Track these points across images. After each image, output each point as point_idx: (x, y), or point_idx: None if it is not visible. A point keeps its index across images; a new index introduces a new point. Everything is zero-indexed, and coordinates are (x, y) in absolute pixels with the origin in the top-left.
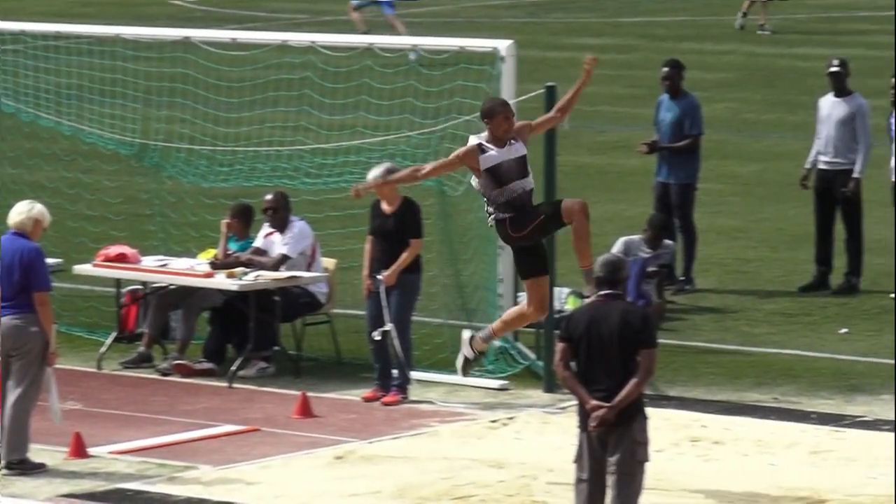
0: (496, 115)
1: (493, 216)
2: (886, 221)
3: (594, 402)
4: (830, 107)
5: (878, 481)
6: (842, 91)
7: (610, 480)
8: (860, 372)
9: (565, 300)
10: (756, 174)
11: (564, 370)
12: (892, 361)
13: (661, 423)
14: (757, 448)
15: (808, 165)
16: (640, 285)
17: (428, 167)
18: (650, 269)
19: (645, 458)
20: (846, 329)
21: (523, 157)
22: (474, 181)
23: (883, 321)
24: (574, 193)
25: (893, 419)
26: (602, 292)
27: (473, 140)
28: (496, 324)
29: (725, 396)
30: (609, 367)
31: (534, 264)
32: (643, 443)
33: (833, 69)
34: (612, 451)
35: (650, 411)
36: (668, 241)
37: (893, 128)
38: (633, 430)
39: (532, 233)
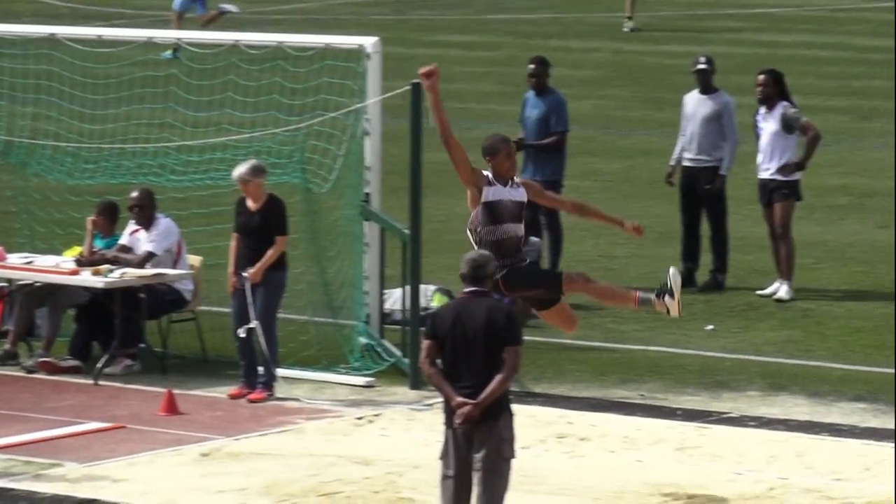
0: (498, 153)
1: None
2: (752, 218)
3: (460, 399)
4: (696, 104)
5: (744, 477)
6: (708, 88)
7: (476, 477)
8: (726, 368)
9: (431, 297)
10: (622, 171)
11: (430, 367)
12: (759, 357)
13: (528, 420)
14: (623, 444)
15: (672, 163)
16: None
17: (455, 142)
18: None
19: (511, 455)
20: (712, 326)
21: (521, 204)
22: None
23: (748, 318)
24: (440, 190)
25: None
26: (467, 289)
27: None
28: None
29: (591, 393)
30: (474, 365)
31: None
32: (509, 439)
33: (700, 66)
34: (478, 448)
35: (516, 408)
36: (534, 239)
37: (759, 125)
38: (499, 426)
39: (521, 297)
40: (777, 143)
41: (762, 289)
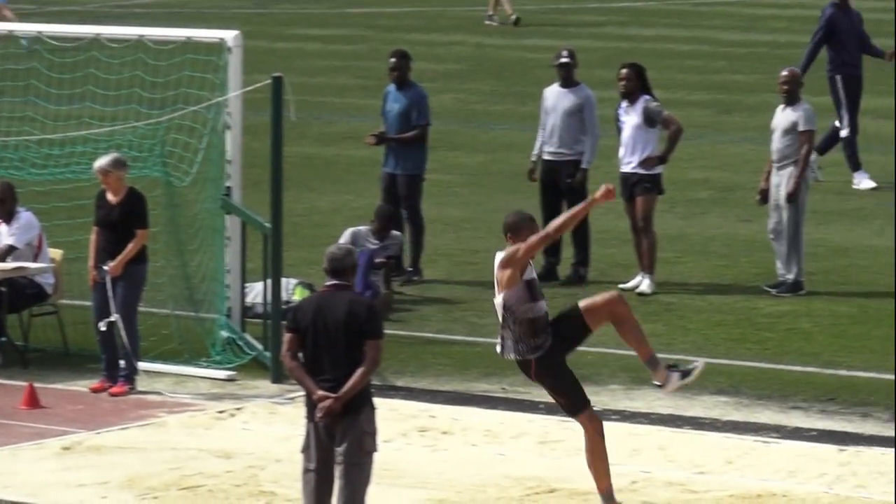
0: (522, 231)
1: (514, 351)
2: (614, 212)
3: (321, 393)
4: (556, 97)
5: None
6: (569, 82)
7: (338, 471)
8: (589, 362)
9: (292, 291)
10: (484, 165)
11: (291, 360)
12: (621, 351)
13: (390, 414)
14: (485, 438)
15: (533, 158)
16: (367, 276)
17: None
18: (378, 260)
19: (373, 449)
20: None
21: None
22: (498, 299)
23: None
24: (301, 184)
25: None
26: (329, 283)
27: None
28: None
29: (453, 387)
30: (335, 358)
31: (572, 343)
32: (371, 433)
33: (561, 60)
34: (340, 442)
35: (378, 402)
36: (395, 232)
37: (621, 119)
38: (361, 420)
39: (552, 374)
40: (639, 137)
41: (624, 282)
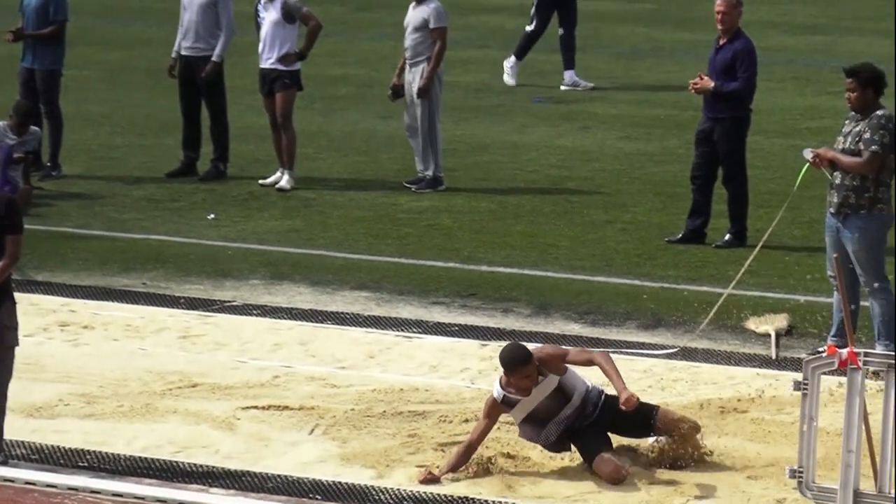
0: (516, 373)
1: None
2: (253, 108)
3: None
4: None
5: (248, 365)
6: None
7: None
8: (228, 257)
9: None
10: (122, 61)
11: None
12: (261, 246)
13: (30, 308)
14: (126, 333)
15: (174, 54)
16: (6, 171)
17: (466, 446)
18: (16, 155)
19: (14, 343)
20: (213, 215)
21: (558, 388)
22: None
23: (250, 207)
24: None
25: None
26: None
27: (495, 392)
28: None
29: (94, 282)
30: None
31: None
32: (12, 327)
33: None
34: None
35: (18, 296)
36: (34, 128)
37: (261, 15)
38: (1, 314)
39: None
40: (278, 34)
41: (264, 178)
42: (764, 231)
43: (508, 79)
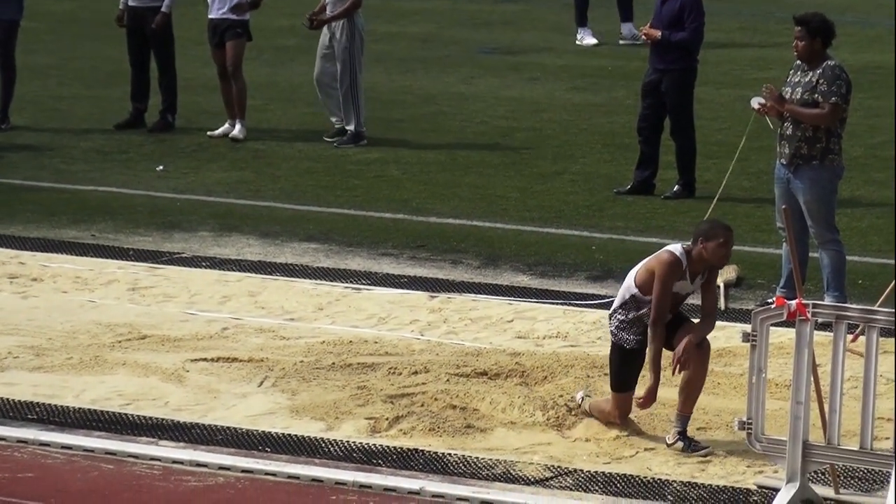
0: (714, 239)
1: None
2: (201, 59)
3: None
4: None
5: (198, 318)
6: None
7: None
8: (177, 209)
9: None
10: (70, 12)
11: None
12: (210, 198)
13: None
14: (75, 285)
15: (121, 6)
16: None
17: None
18: None
19: None
20: (162, 167)
21: (688, 294)
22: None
23: (198, 159)
24: None
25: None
26: None
27: (677, 251)
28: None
29: (42, 234)
30: None
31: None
32: None
33: None
34: None
35: None
36: None
37: None
38: None
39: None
40: None
41: (212, 130)
42: (713, 182)
43: (589, 43)
